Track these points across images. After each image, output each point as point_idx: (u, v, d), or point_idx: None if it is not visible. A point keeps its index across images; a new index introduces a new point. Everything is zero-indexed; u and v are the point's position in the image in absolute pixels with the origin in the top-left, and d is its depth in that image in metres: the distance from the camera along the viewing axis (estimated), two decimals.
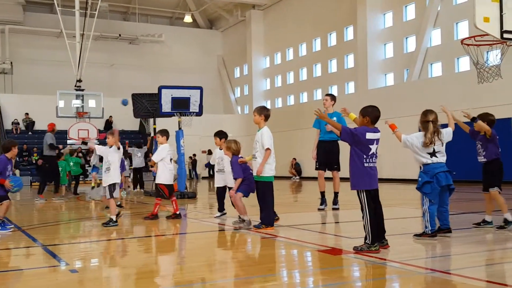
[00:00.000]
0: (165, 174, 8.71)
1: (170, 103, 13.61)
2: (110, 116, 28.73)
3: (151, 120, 16.27)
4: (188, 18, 36.37)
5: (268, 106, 33.16)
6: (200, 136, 27.91)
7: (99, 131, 25.08)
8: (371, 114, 5.40)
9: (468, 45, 9.81)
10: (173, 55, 36.13)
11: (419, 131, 5.99)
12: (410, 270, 4.51)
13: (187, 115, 14.05)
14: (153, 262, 5.45)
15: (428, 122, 5.86)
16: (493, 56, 9.75)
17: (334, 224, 8.15)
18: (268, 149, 7.02)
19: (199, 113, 14.30)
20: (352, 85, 26.38)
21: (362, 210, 5.35)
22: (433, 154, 5.89)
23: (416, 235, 6.03)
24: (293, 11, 30.43)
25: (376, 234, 5.27)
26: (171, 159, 8.86)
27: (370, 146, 5.33)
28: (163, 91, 13.61)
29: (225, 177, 8.51)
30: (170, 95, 13.61)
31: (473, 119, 6.77)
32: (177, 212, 8.76)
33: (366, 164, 5.33)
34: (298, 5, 29.99)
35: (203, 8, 36.29)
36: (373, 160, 5.38)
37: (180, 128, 14.00)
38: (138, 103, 15.84)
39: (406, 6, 23.34)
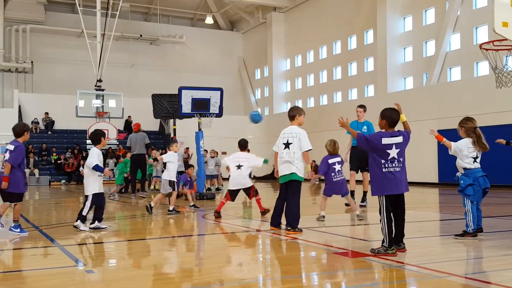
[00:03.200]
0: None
1: (190, 104, 13.54)
2: (129, 116, 28.87)
3: (171, 121, 16.24)
4: (209, 20, 36.43)
5: (288, 109, 33.01)
6: (220, 137, 27.86)
7: (119, 131, 25.28)
8: (388, 118, 5.43)
9: (486, 49, 9.66)
10: (194, 56, 36.22)
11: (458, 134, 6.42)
12: (427, 273, 4.47)
13: (207, 116, 13.96)
14: (170, 262, 5.33)
15: (476, 128, 6.28)
16: (511, 61, 9.57)
17: (352, 226, 7.96)
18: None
19: (219, 115, 14.21)
20: (371, 88, 26.10)
21: (380, 213, 5.37)
22: (475, 159, 6.30)
23: (457, 235, 6.30)
24: (313, 14, 30.25)
25: (394, 238, 5.29)
26: (239, 166, 9.25)
27: (388, 151, 5.31)
28: (183, 92, 13.54)
29: None
30: (190, 96, 13.54)
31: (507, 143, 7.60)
32: (265, 209, 9.14)
33: (385, 169, 5.32)
34: (319, 8, 29.81)
35: (224, 9, 36.32)
36: (394, 165, 5.33)
37: (200, 129, 13.92)
38: (158, 104, 15.82)
39: (426, 10, 23.05)
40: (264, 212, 9.10)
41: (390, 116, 5.41)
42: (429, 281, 4.31)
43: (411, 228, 7.09)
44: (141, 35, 34.23)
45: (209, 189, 16.77)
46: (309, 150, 7.13)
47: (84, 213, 7.47)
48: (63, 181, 26.08)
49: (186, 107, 13.46)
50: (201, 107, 13.68)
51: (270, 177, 30.10)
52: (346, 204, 9.99)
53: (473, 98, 18.76)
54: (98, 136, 7.80)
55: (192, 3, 36.54)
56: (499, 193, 14.68)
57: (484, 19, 19.47)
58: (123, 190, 16.66)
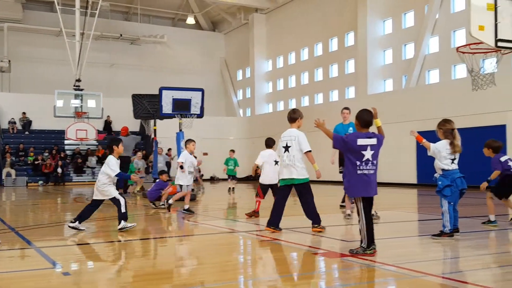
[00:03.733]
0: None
1: (171, 105, 13.46)
2: (108, 116, 28.58)
3: (152, 121, 16.12)
4: (190, 20, 36.29)
5: (270, 110, 33.09)
6: (201, 138, 27.74)
7: (98, 132, 24.99)
8: (360, 118, 5.50)
9: (463, 52, 9.81)
10: (175, 57, 36.02)
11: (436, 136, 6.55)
12: (404, 273, 4.53)
13: (188, 117, 13.88)
14: (150, 265, 5.28)
15: (454, 130, 6.37)
16: (488, 64, 9.75)
17: (334, 227, 7.98)
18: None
19: (200, 115, 14.15)
20: (352, 90, 26.31)
21: (358, 214, 5.44)
22: (453, 160, 6.40)
23: (434, 235, 6.40)
24: (295, 16, 30.37)
25: (372, 238, 5.33)
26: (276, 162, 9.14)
27: (363, 152, 5.34)
28: (164, 92, 13.45)
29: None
30: (171, 96, 13.46)
31: (489, 183, 7.87)
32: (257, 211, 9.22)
33: (359, 171, 5.35)
34: (301, 10, 29.93)
35: (206, 10, 36.21)
36: (368, 167, 5.36)
37: (180, 130, 13.83)
38: (138, 104, 15.68)
39: (405, 14, 23.33)
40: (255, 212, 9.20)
41: (361, 117, 5.48)
42: (406, 281, 4.36)
43: (389, 229, 7.18)
44: (121, 35, 33.90)
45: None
46: (309, 151, 7.13)
47: (123, 210, 7.50)
48: (40, 182, 25.67)
49: (167, 108, 13.37)
50: (182, 108, 13.61)
51: (252, 178, 30.10)
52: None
53: (451, 100, 19.03)
54: (111, 144, 7.90)
55: (173, 3, 36.34)
56: (476, 194, 14.91)
57: (462, 23, 19.77)
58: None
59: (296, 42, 30.43)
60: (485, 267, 4.83)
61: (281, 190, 7.36)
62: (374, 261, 5.02)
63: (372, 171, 5.36)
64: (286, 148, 7.18)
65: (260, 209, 9.20)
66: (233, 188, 17.28)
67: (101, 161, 27.76)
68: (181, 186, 10.14)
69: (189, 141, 10.40)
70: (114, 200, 7.58)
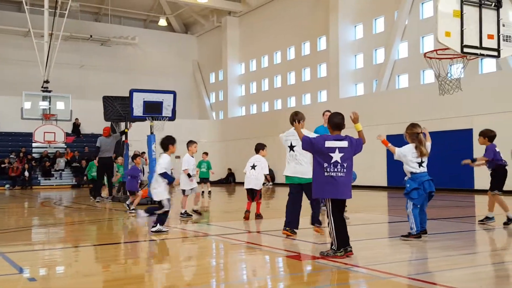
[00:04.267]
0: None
1: (142, 107, 13.28)
2: (76, 119, 28.09)
3: (123, 124, 15.91)
4: (163, 22, 35.98)
5: (243, 113, 33.09)
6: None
7: (67, 134, 24.51)
8: (330, 121, 5.59)
9: (431, 58, 10.00)
10: (147, 59, 35.67)
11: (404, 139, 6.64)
12: (373, 275, 4.58)
13: (160, 120, 13.74)
14: (121, 269, 5.19)
15: (419, 134, 6.45)
16: (454, 69, 9.97)
17: (305, 230, 8.02)
18: None
19: (172, 118, 14.02)
20: (324, 93, 26.55)
21: (327, 217, 5.47)
22: (420, 164, 6.47)
23: (403, 236, 6.49)
24: (268, 20, 30.49)
25: (342, 240, 5.33)
26: (254, 166, 9.17)
27: (331, 155, 5.36)
28: (135, 94, 13.28)
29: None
30: (142, 98, 13.29)
31: (473, 161, 8.12)
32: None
33: (327, 173, 5.35)
34: (273, 14, 30.07)
35: (179, 12, 35.98)
36: (337, 169, 5.35)
37: (152, 133, 13.68)
38: (109, 106, 15.46)
39: (375, 19, 23.71)
40: (259, 215, 9.24)
41: (331, 119, 5.56)
42: (374, 282, 4.41)
43: (359, 231, 7.25)
44: (91, 36, 33.37)
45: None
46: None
47: (158, 212, 7.53)
48: (7, 185, 25.00)
49: (138, 110, 13.19)
50: (153, 110, 13.45)
51: (225, 181, 30.03)
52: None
53: (420, 105, 19.41)
54: (166, 142, 7.80)
55: (145, 5, 36.00)
56: (444, 196, 15.24)
57: (430, 29, 20.20)
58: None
59: (269, 46, 30.55)
60: (452, 267, 4.92)
61: (294, 190, 7.21)
62: (345, 263, 5.06)
63: (341, 174, 5.34)
64: (291, 147, 7.18)
65: (261, 211, 9.36)
66: (209, 191, 17.06)
67: (69, 164, 27.25)
68: (183, 191, 9.66)
69: (191, 142, 9.92)
70: (159, 203, 7.54)
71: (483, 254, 5.79)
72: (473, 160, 8.00)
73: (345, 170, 5.35)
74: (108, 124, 16.20)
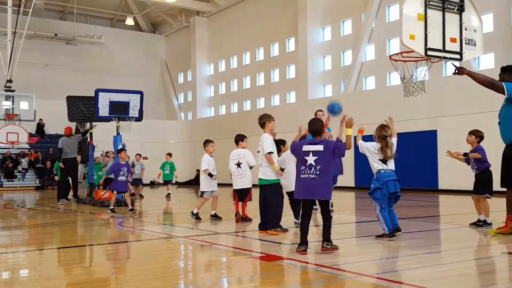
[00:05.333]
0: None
1: (107, 107, 13.07)
2: (41, 119, 27.41)
3: (88, 124, 15.60)
4: (130, 21, 35.50)
5: (212, 114, 32.96)
6: (140, 142, 27.18)
7: (30, 135, 23.88)
8: (309, 127, 5.88)
9: (396, 60, 10.17)
10: (114, 58, 35.12)
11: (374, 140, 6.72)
12: (339, 274, 4.62)
13: (126, 120, 13.55)
14: (85, 272, 5.07)
15: (386, 137, 6.53)
16: (418, 72, 10.16)
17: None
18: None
19: (139, 118, 13.84)
20: (293, 94, 26.71)
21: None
22: (384, 161, 6.54)
23: (377, 236, 6.59)
24: (237, 20, 30.47)
25: (301, 239, 5.65)
26: (239, 164, 8.61)
27: (306, 158, 5.62)
28: (101, 94, 13.06)
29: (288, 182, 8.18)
30: (108, 99, 13.08)
31: (465, 155, 7.81)
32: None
33: (302, 176, 5.65)
34: (242, 14, 30.08)
35: (146, 11, 35.58)
36: (311, 172, 5.57)
37: (118, 133, 13.47)
38: (73, 106, 15.13)
39: (343, 22, 24.00)
40: (245, 218, 8.81)
41: (310, 126, 5.86)
42: (341, 282, 4.45)
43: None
44: (56, 34, 32.64)
45: (133, 194, 16.25)
46: (269, 152, 7.32)
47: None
48: None
49: (103, 111, 12.97)
50: (119, 111, 13.25)
51: (193, 182, 29.83)
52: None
53: (386, 106, 19.74)
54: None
55: (111, 3, 35.45)
56: (408, 196, 15.55)
57: (396, 32, 20.58)
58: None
59: (238, 46, 30.53)
60: (417, 266, 5.01)
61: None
62: (309, 262, 5.10)
63: (314, 176, 5.56)
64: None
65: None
66: (168, 193, 16.45)
67: (33, 165, 26.56)
68: (202, 193, 9.21)
69: (208, 142, 9.47)
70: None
71: (447, 253, 5.91)
72: (465, 154, 7.80)
73: (318, 172, 5.56)
74: (73, 124, 15.87)
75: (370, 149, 6.56)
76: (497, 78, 6.85)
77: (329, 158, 5.61)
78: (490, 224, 7.48)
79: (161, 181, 17.48)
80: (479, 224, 7.60)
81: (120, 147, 12.66)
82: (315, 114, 9.72)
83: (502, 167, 6.76)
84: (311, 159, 5.57)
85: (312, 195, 5.64)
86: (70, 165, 14.34)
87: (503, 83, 6.42)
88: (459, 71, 6.71)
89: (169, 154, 17.13)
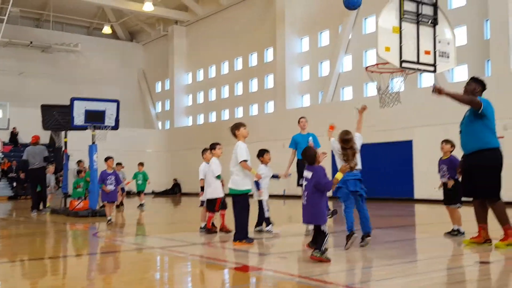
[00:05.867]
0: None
1: (83, 116, 12.89)
2: (14, 128, 26.88)
3: (63, 133, 15.36)
4: (107, 29, 35.22)
5: (190, 123, 32.82)
6: (117, 151, 26.85)
7: (3, 143, 23.40)
8: (303, 157, 6.02)
9: (372, 71, 10.33)
10: (90, 66, 34.73)
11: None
12: (316, 285, 4.58)
13: (102, 129, 13.37)
14: (59, 284, 4.95)
15: (348, 141, 6.49)
16: (394, 83, 10.33)
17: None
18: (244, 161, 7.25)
19: (115, 127, 13.68)
20: (271, 104, 26.80)
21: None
22: (347, 161, 6.41)
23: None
24: (215, 30, 30.51)
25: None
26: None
27: (302, 183, 5.89)
28: (76, 103, 12.88)
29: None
30: (84, 107, 12.91)
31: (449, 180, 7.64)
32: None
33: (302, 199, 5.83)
34: (221, 24, 30.13)
35: (124, 20, 35.34)
36: (304, 196, 5.82)
37: (94, 143, 13.29)
38: (48, 115, 14.90)
39: (321, 33, 24.25)
40: (222, 229, 8.48)
41: (305, 156, 5.95)
42: None
43: (302, 240, 7.26)
44: (31, 42, 32.16)
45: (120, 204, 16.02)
46: (244, 160, 7.18)
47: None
48: None
49: (79, 119, 12.79)
50: (95, 119, 13.08)
51: (170, 192, 29.59)
52: None
53: (363, 116, 19.95)
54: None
55: (88, 12, 35.10)
56: (384, 205, 15.68)
57: (372, 43, 20.83)
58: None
59: (217, 56, 30.54)
60: (393, 276, 5.03)
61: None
62: (285, 273, 5.08)
63: (303, 201, 5.81)
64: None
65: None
66: (141, 204, 15.99)
67: (6, 174, 25.97)
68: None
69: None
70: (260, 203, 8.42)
71: (422, 262, 5.96)
72: (455, 179, 7.53)
73: (305, 197, 5.78)
74: (47, 133, 15.61)
75: (335, 148, 6.58)
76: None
77: (312, 185, 5.73)
78: (463, 233, 7.53)
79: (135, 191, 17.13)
80: (454, 233, 7.67)
81: (95, 157, 12.51)
82: (298, 121, 9.65)
83: (463, 178, 6.82)
84: (304, 184, 5.82)
85: (304, 218, 5.85)
86: (36, 176, 14.01)
87: (481, 102, 6.42)
88: (438, 91, 6.60)
89: (141, 164, 16.79)
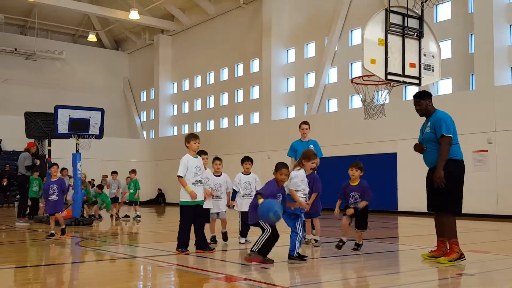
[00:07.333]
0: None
1: (67, 124, 12.78)
2: None
3: (46, 141, 15.18)
4: (92, 37, 35.05)
5: (175, 133, 32.69)
6: (101, 160, 26.63)
7: None
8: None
9: (357, 84, 10.39)
10: (75, 74, 34.49)
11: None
12: None
13: (86, 138, 13.25)
14: None
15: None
16: (379, 95, 10.40)
17: (234, 251, 7.96)
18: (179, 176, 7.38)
19: (100, 136, 13.58)
20: (257, 115, 26.84)
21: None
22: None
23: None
24: (201, 40, 30.55)
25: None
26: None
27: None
28: (60, 111, 12.77)
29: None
30: (68, 115, 12.80)
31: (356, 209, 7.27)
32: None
33: None
34: (207, 34, 30.18)
35: (109, 28, 35.23)
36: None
37: (77, 151, 13.16)
38: (31, 123, 14.72)
39: (307, 44, 24.41)
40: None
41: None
42: None
43: (284, 252, 7.22)
44: (15, 49, 31.85)
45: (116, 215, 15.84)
46: (178, 176, 7.35)
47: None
48: None
49: (63, 127, 12.67)
50: (79, 128, 12.97)
51: (154, 202, 29.36)
52: None
53: (348, 129, 20.10)
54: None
55: (73, 19, 34.91)
56: (371, 217, 15.72)
57: (358, 56, 21.00)
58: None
59: (202, 66, 30.55)
60: (376, 287, 5.03)
61: None
62: (273, 284, 5.05)
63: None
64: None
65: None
66: (136, 216, 15.23)
67: None
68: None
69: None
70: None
71: (406, 274, 5.98)
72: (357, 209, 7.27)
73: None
74: (31, 140, 15.44)
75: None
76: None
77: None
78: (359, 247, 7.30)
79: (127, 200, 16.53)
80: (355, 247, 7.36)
81: (79, 166, 12.36)
82: (299, 127, 9.19)
83: (428, 192, 6.59)
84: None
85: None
86: (18, 183, 14.06)
87: (450, 137, 6.34)
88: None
89: (133, 172, 15.81)
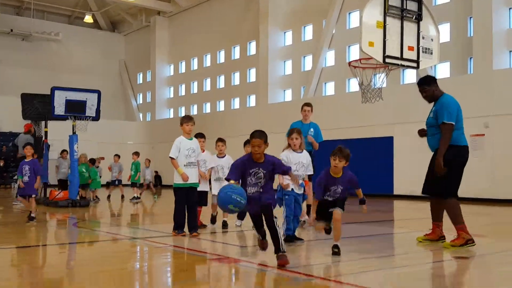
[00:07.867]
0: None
1: (64, 106, 12.73)
2: None
3: (43, 122, 15.14)
4: (88, 18, 34.69)
5: (171, 115, 32.61)
6: (97, 142, 26.58)
7: None
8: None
9: (355, 67, 10.33)
10: (72, 56, 34.22)
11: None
12: (294, 277, 4.58)
13: (83, 120, 13.22)
14: (38, 273, 4.88)
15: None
16: (377, 79, 10.36)
17: (231, 233, 8.02)
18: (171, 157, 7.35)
19: (96, 118, 13.54)
20: (253, 98, 26.77)
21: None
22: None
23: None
24: (198, 22, 30.30)
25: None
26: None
27: None
28: (57, 92, 12.70)
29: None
30: (64, 97, 12.74)
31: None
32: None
33: None
34: (204, 16, 29.93)
35: (106, 9, 34.87)
36: None
37: (74, 133, 13.13)
38: (28, 104, 14.66)
39: (304, 27, 24.25)
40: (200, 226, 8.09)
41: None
42: (294, 284, 4.45)
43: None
44: (11, 30, 31.54)
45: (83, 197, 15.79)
46: (170, 157, 7.32)
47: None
48: None
49: (59, 109, 12.62)
50: (76, 110, 12.92)
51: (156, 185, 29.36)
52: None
53: (345, 112, 20.08)
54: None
55: (70, 0, 34.54)
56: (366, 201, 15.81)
57: (356, 39, 20.91)
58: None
59: (199, 48, 30.36)
60: (368, 269, 5.07)
61: None
62: (265, 265, 5.09)
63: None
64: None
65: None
66: (133, 197, 15.30)
67: None
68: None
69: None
70: None
71: (399, 257, 6.04)
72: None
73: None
74: (28, 122, 15.41)
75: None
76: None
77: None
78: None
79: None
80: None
81: (75, 148, 12.33)
82: (302, 108, 8.92)
83: (427, 175, 6.54)
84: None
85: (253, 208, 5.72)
86: (17, 164, 14.00)
87: (450, 125, 6.24)
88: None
89: (136, 154, 15.96)
